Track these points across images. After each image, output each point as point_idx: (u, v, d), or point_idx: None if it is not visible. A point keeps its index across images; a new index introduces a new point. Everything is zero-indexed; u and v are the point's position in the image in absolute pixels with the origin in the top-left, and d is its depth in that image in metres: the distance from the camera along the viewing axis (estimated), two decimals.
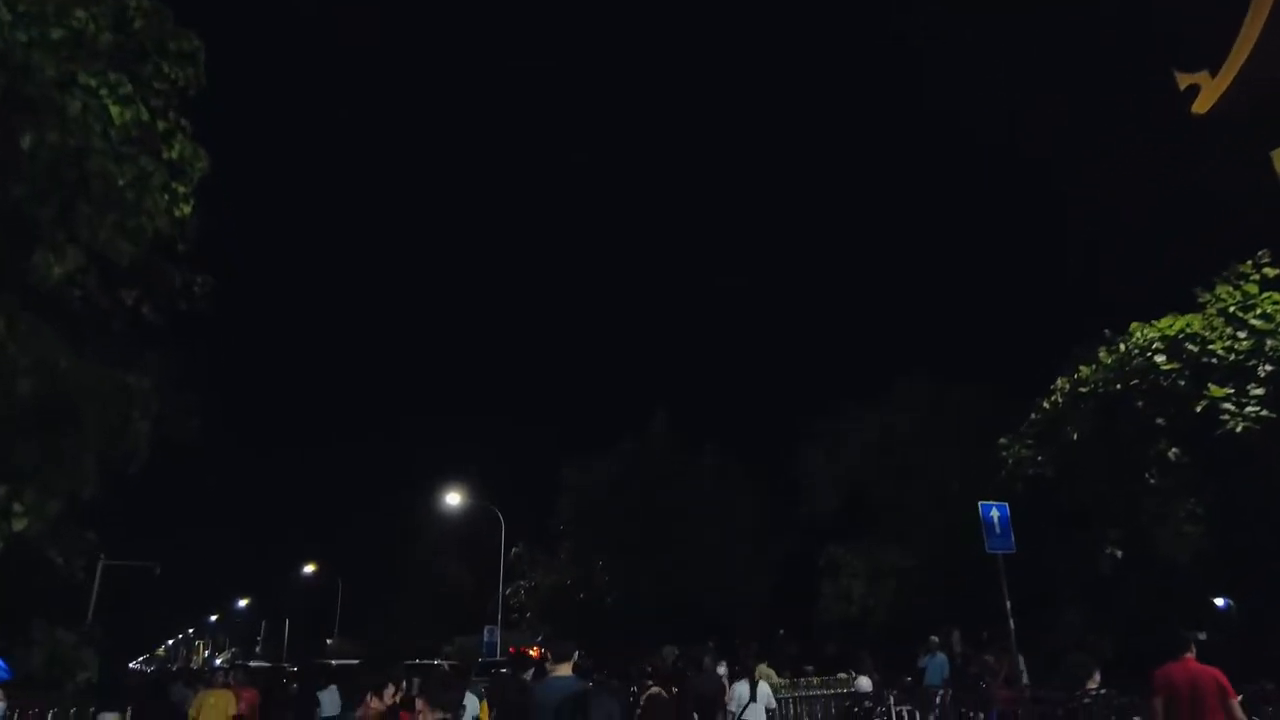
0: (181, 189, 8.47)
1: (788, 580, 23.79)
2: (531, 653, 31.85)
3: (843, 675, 15.58)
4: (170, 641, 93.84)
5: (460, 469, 38.50)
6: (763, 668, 16.40)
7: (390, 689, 6.79)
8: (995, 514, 14.73)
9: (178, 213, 8.52)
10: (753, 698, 9.58)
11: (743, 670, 10.96)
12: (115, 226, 7.42)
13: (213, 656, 78.15)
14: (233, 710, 10.07)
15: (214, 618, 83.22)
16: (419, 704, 4.57)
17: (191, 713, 9.81)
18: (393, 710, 6.32)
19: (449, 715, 4.25)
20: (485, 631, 33.17)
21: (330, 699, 12.09)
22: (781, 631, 23.53)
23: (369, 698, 4.62)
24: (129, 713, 12.63)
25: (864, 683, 13.37)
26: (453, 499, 34.61)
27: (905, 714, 11.37)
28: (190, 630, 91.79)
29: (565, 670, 5.23)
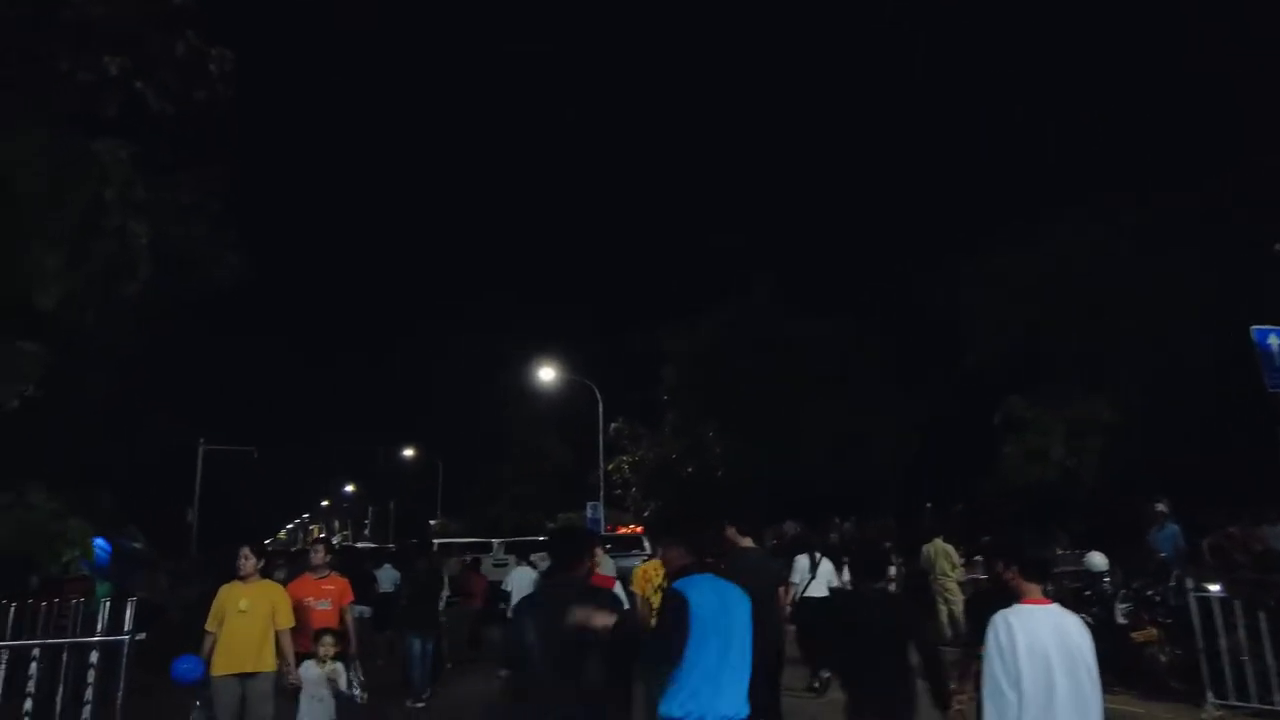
0: None
1: (934, 446, 20.66)
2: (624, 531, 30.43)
3: None
4: (290, 526, 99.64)
5: (554, 344, 36.40)
6: (938, 543, 13.64)
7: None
8: (1275, 341, 11.07)
9: None
10: (813, 574, 9.65)
11: (794, 544, 10.69)
12: None
13: (327, 540, 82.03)
14: (285, 617, 5.76)
15: (325, 503, 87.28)
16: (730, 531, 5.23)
17: (209, 624, 5.61)
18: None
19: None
20: (588, 508, 31.82)
21: (386, 575, 13.03)
22: (928, 505, 20.60)
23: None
24: None
25: (1097, 559, 10.29)
26: (547, 374, 32.75)
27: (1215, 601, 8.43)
28: (306, 515, 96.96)
29: None
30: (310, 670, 5.81)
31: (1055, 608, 3.27)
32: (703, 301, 27.93)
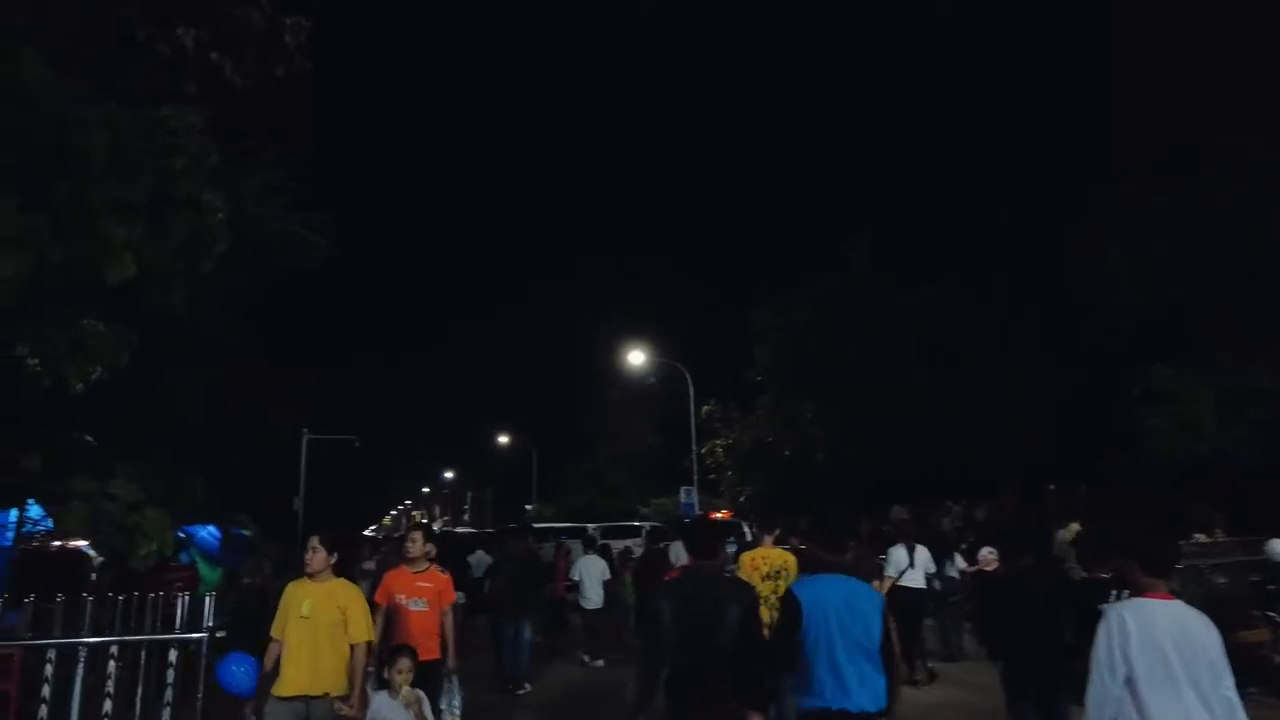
0: None
1: (1060, 420, 18.95)
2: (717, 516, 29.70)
3: (1201, 537, 11.12)
4: (394, 512, 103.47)
5: (643, 327, 35.94)
6: (1074, 527, 12.38)
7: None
8: None
9: None
10: (911, 563, 9.42)
11: (898, 534, 10.41)
12: None
13: (427, 526, 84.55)
14: (359, 627, 4.58)
15: (425, 489, 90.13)
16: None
17: (274, 629, 4.69)
18: None
19: None
20: (682, 492, 31.22)
21: (478, 560, 13.34)
22: (1051, 486, 19.00)
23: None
24: None
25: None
26: (636, 358, 32.28)
27: None
28: (408, 502, 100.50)
29: None
30: (383, 705, 4.65)
31: (1179, 604, 3.16)
32: (795, 276, 26.73)
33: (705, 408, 31.62)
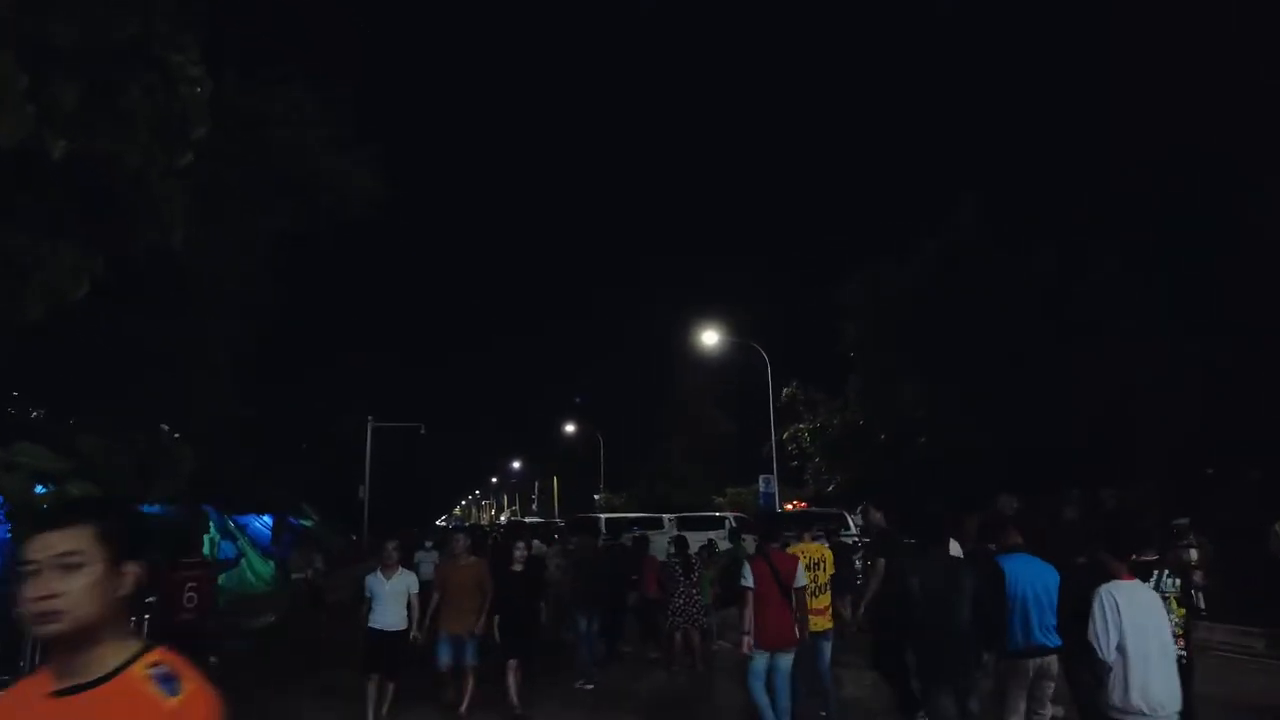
0: None
1: (1219, 397, 16.22)
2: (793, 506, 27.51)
3: None
4: (464, 501, 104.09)
5: (717, 307, 33.92)
6: None
7: None
8: None
9: None
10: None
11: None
12: None
13: (496, 517, 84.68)
14: None
15: (494, 479, 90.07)
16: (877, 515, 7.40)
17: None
18: None
19: None
20: (761, 481, 29.15)
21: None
22: (1210, 471, 16.34)
23: None
24: None
25: None
26: (709, 338, 30.25)
27: None
28: (477, 492, 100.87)
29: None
30: None
31: (1138, 583, 4.39)
32: (883, 247, 24.25)
33: (786, 390, 29.40)
